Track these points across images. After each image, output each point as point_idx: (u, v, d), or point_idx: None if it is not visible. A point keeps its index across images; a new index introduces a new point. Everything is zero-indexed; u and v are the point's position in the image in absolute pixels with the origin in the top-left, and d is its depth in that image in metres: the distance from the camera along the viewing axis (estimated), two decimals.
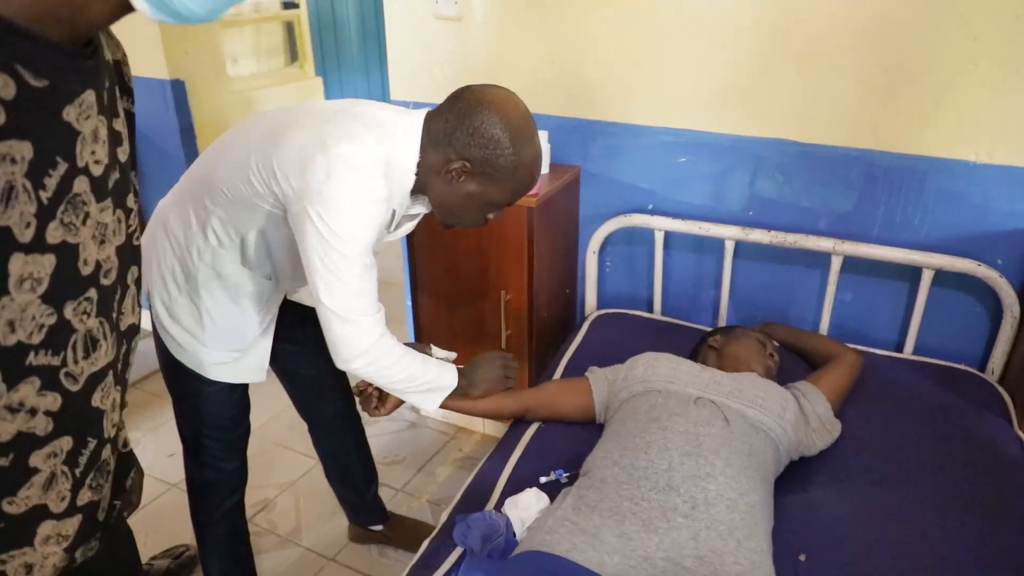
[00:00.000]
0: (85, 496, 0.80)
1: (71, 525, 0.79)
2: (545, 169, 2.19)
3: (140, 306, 0.90)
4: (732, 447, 1.39)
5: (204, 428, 1.60)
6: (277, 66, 4.03)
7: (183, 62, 2.81)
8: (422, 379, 1.47)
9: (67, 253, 0.70)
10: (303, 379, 1.83)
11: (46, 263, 0.68)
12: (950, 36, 1.76)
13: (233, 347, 1.52)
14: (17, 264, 0.65)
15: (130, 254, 0.84)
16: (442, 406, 1.58)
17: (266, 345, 1.58)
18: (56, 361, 0.72)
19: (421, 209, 1.47)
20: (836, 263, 2.02)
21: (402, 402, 1.60)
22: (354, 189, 1.24)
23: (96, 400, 0.79)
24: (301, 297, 1.68)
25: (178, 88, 2.80)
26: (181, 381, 1.55)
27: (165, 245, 1.46)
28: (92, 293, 0.75)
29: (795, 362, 1.95)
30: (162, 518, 2.23)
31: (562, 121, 2.25)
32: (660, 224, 2.17)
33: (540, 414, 1.73)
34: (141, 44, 2.70)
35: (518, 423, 1.76)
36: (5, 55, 0.59)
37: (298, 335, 1.69)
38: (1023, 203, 1.84)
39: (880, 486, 1.56)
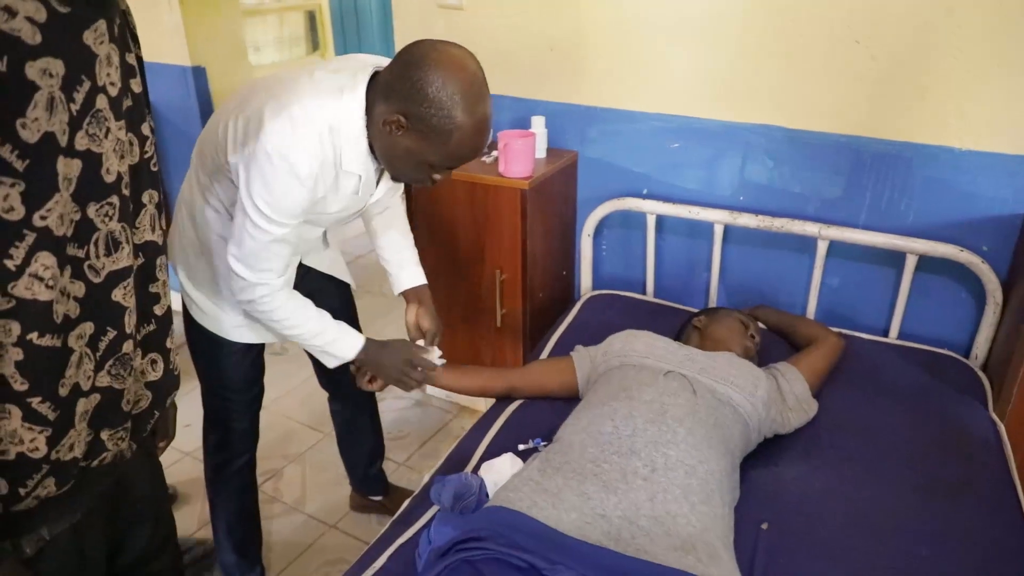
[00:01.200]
0: (104, 380, 0.92)
1: (93, 400, 0.91)
2: (542, 153, 2.26)
3: (163, 229, 1.03)
4: (696, 417, 1.44)
5: (221, 389, 1.72)
6: (299, 54, 4.14)
7: (204, 49, 2.92)
8: (314, 341, 1.54)
9: (92, 160, 0.83)
10: None
11: (75, 166, 0.80)
12: (936, 24, 1.78)
13: None
14: (61, 165, 0.78)
15: (147, 176, 0.97)
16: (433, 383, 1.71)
17: None
18: (81, 253, 0.85)
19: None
20: (822, 248, 2.05)
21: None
22: (276, 164, 1.28)
23: (117, 296, 0.91)
24: (312, 262, 1.74)
25: (199, 74, 2.91)
26: (202, 344, 1.66)
27: (184, 217, 1.58)
28: (114, 200, 0.88)
29: (781, 345, 2.00)
30: (176, 483, 2.36)
31: (560, 107, 2.32)
32: (651, 208, 2.22)
33: (526, 393, 1.80)
34: (163, 31, 2.82)
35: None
36: None
37: (318, 301, 1.74)
38: (1008, 189, 1.86)
39: (850, 464, 1.60)
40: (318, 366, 1.96)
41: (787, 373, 1.73)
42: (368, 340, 1.61)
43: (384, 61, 1.40)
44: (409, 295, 1.78)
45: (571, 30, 2.21)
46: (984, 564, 1.34)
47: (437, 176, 1.40)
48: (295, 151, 1.28)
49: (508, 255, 2.20)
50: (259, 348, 1.73)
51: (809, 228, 2.03)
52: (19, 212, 0.75)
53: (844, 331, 2.05)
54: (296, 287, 1.64)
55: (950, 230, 1.94)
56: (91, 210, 0.84)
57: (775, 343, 1.99)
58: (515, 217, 2.13)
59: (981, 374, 1.91)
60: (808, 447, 1.65)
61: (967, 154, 1.86)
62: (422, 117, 1.26)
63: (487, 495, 1.43)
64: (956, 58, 1.79)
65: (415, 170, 1.38)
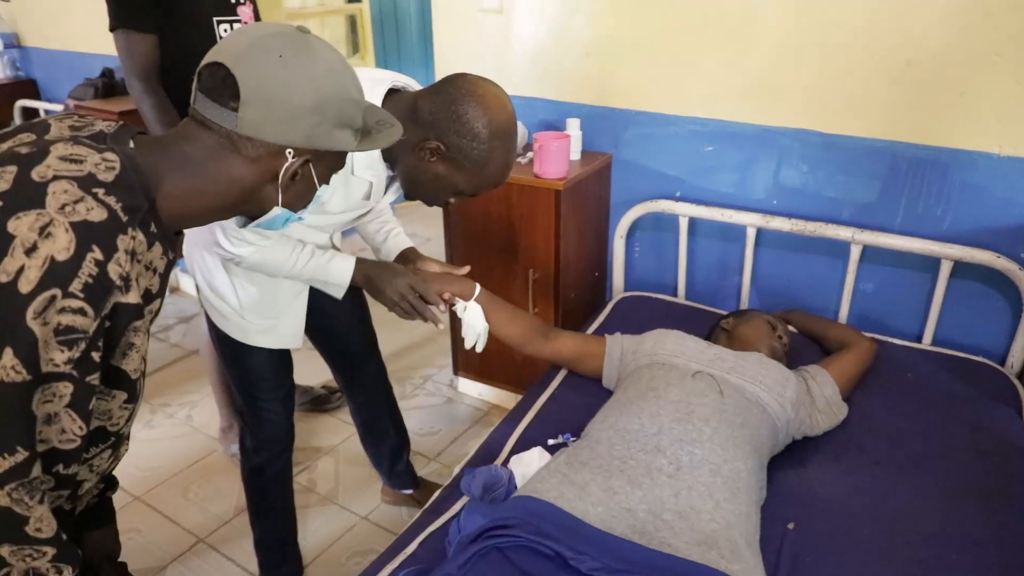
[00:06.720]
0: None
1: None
2: (576, 156, 2.29)
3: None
4: (723, 417, 1.46)
5: (253, 389, 1.74)
6: None
7: None
8: (306, 276, 1.55)
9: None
10: (338, 349, 1.96)
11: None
12: (973, 27, 1.78)
13: (267, 314, 1.64)
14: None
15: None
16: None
17: (299, 311, 1.69)
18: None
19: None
20: (855, 252, 2.05)
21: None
22: None
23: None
24: None
25: None
26: (226, 347, 1.69)
27: None
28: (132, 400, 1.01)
29: (813, 349, 1.99)
30: (212, 471, 2.43)
31: (595, 110, 2.34)
32: (684, 210, 2.23)
33: (543, 349, 1.80)
34: None
35: (535, 390, 1.86)
36: (170, 246, 0.92)
37: (330, 306, 1.78)
38: None
39: (879, 467, 1.60)
40: (331, 363, 2.01)
41: (817, 376, 1.73)
42: (359, 259, 1.59)
43: (400, 77, 1.43)
44: (409, 256, 1.77)
45: (606, 35, 2.24)
46: (1019, 570, 1.33)
47: (452, 200, 1.46)
48: None
49: (541, 255, 2.23)
50: None
51: (842, 232, 2.03)
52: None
53: (876, 336, 2.04)
54: (311, 291, 1.69)
55: (987, 236, 1.93)
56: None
57: (806, 347, 1.99)
58: (549, 217, 2.16)
59: (1016, 382, 1.89)
60: (838, 450, 1.65)
61: (1006, 160, 1.85)
62: (461, 148, 1.32)
63: (515, 487, 1.46)
64: (995, 61, 1.78)
65: (437, 193, 1.43)
